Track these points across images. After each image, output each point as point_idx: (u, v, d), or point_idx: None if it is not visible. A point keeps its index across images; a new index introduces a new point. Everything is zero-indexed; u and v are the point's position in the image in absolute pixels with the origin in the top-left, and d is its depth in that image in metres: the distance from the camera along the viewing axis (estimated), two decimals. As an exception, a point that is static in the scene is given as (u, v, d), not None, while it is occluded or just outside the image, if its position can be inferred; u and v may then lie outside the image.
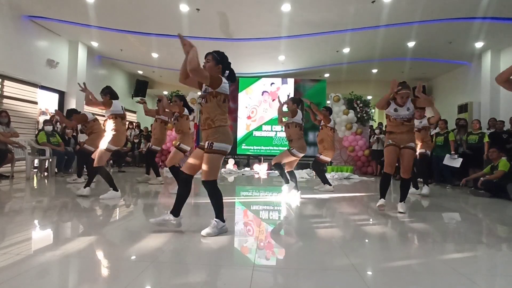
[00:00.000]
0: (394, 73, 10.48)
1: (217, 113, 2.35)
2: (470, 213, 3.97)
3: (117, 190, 3.80)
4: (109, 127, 3.84)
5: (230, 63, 2.52)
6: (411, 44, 7.90)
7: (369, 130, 9.43)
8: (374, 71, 10.45)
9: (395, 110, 3.53)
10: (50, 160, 6.28)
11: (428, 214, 3.58)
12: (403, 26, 6.88)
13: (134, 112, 12.85)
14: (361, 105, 9.25)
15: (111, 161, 8.31)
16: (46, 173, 6.37)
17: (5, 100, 6.73)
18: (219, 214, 2.42)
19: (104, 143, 3.78)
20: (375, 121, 11.29)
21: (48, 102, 8.49)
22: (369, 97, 11.18)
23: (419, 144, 4.97)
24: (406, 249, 2.33)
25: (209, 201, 2.45)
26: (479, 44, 7.73)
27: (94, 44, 8.89)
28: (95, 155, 3.91)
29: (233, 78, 2.53)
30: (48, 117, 7.72)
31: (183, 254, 2.05)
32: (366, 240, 2.51)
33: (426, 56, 8.85)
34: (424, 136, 4.99)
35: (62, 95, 8.65)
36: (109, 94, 3.94)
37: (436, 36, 7.40)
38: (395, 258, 2.09)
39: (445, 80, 10.54)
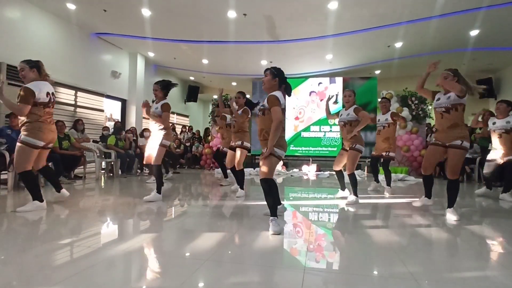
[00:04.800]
0: (454, 65, 9.54)
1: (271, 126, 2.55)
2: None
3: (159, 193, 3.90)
4: (157, 126, 3.92)
5: (286, 78, 2.73)
6: (474, 32, 7.18)
7: (426, 128, 8.77)
8: (432, 64, 9.70)
9: (438, 99, 3.15)
10: (112, 162, 6.93)
11: (501, 221, 3.22)
12: (466, 13, 6.28)
13: (187, 116, 13.56)
14: (416, 102, 8.64)
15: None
16: (111, 174, 7.03)
17: (78, 109, 7.59)
18: (273, 212, 2.61)
19: (158, 141, 3.87)
20: (432, 119, 10.45)
21: (113, 109, 9.39)
22: (426, 93, 10.38)
23: (503, 149, 4.38)
24: (472, 259, 2.12)
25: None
26: (559, 28, 6.76)
27: (151, 54, 9.59)
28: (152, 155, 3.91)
29: (289, 93, 2.74)
30: (112, 123, 8.54)
31: (235, 253, 2.11)
32: (424, 247, 2.34)
33: (493, 45, 7.97)
34: None
35: (124, 102, 9.48)
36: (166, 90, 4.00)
37: (504, 22, 6.63)
38: (459, 268, 1.92)
39: (516, 70, 9.38)
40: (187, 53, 9.28)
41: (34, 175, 3.35)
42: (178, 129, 11.70)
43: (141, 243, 2.25)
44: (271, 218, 2.58)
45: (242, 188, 4.40)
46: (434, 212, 3.50)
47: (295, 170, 8.94)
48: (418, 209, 3.66)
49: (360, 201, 4.02)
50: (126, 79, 9.41)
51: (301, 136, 9.75)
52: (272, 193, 2.62)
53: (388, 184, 4.88)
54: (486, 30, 7.04)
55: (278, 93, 2.60)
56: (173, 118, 12.39)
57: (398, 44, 8.07)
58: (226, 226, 2.81)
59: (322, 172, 8.54)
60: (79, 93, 7.62)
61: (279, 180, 7.09)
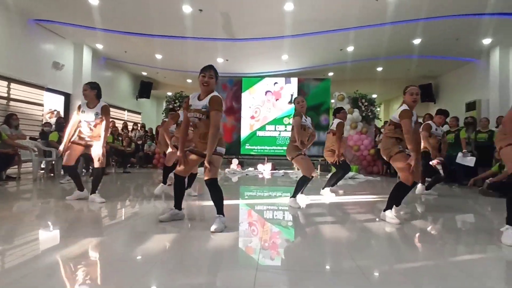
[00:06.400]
0: (400, 71, 10.38)
1: None
2: (479, 213, 3.88)
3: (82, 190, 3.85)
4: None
5: None
6: (417, 41, 7.80)
7: (374, 129, 9.35)
8: (379, 69, 10.36)
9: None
10: (54, 162, 6.34)
11: (437, 215, 3.52)
12: (409, 23, 6.80)
13: (139, 113, 12.92)
14: (366, 103, 9.18)
15: (114, 162, 8.36)
16: (52, 174, 6.42)
17: (12, 103, 6.81)
18: (221, 210, 2.64)
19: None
20: (380, 120, 11.19)
21: (54, 104, 8.58)
22: (374, 96, 11.08)
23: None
24: (414, 251, 2.28)
25: (210, 204, 2.48)
26: (487, 41, 7.61)
27: (99, 46, 8.94)
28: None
29: None
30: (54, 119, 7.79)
31: (187, 254, 2.03)
32: (372, 242, 2.46)
33: (433, 54, 8.74)
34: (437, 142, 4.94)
35: (68, 97, 8.73)
36: (97, 90, 3.71)
37: (442, 33, 7.30)
38: (402, 260, 2.05)
39: (452, 77, 10.38)
40: (138, 47, 8.81)
41: None
42: (130, 126, 11.09)
43: (86, 247, 2.06)
44: (217, 215, 2.61)
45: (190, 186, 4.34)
46: (381, 208, 3.70)
47: (250, 169, 8.97)
48: (366, 206, 3.86)
49: (312, 199, 4.14)
50: (71, 71, 8.67)
51: (257, 135, 9.83)
52: (218, 192, 2.64)
53: (334, 184, 4.86)
54: (426, 39, 7.68)
55: (219, 96, 2.62)
56: (124, 115, 11.73)
57: (350, 48, 8.48)
58: (178, 227, 2.70)
59: (277, 171, 8.67)
60: (14, 85, 6.83)
61: (234, 179, 7.05)
